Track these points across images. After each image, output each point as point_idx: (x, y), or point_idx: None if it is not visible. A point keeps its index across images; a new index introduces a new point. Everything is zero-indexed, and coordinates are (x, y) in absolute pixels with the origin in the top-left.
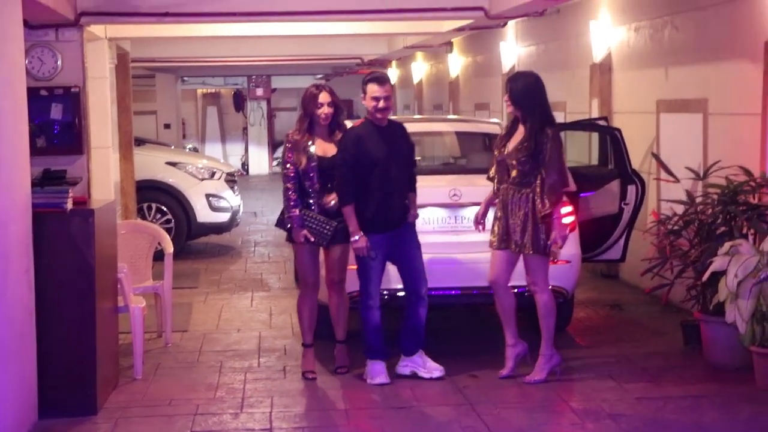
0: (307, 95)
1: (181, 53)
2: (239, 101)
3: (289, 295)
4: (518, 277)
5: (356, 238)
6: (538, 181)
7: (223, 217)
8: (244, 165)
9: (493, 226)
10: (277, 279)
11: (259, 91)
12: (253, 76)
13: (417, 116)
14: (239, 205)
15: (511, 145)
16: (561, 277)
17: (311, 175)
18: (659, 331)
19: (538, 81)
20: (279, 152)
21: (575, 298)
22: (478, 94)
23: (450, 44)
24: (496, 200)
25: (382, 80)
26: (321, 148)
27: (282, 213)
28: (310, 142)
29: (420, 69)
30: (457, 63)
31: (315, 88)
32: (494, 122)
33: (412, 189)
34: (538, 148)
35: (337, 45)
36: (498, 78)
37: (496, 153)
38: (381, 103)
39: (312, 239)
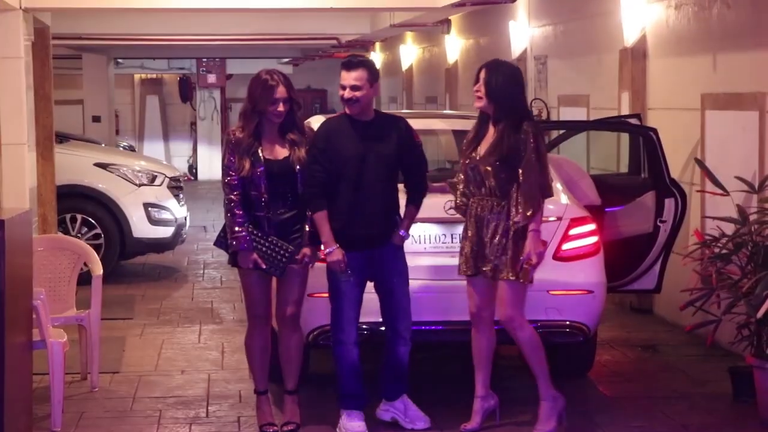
0: (257, 85)
1: (114, 29)
2: (186, 90)
3: (245, 327)
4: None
5: (330, 249)
6: (516, 189)
7: (165, 232)
8: (192, 168)
9: (462, 248)
10: (230, 309)
11: (212, 78)
12: (204, 59)
13: (405, 111)
14: (185, 218)
15: (483, 148)
16: (581, 311)
17: (258, 183)
18: (702, 380)
19: (520, 74)
20: None
21: (598, 337)
22: None
23: (447, 23)
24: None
25: (351, 65)
26: (269, 149)
27: (223, 230)
28: (256, 143)
29: (410, 53)
30: (455, 46)
31: (269, 77)
32: None
33: (413, 200)
34: (516, 148)
35: (309, 22)
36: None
37: (464, 161)
38: (346, 93)
39: (263, 266)
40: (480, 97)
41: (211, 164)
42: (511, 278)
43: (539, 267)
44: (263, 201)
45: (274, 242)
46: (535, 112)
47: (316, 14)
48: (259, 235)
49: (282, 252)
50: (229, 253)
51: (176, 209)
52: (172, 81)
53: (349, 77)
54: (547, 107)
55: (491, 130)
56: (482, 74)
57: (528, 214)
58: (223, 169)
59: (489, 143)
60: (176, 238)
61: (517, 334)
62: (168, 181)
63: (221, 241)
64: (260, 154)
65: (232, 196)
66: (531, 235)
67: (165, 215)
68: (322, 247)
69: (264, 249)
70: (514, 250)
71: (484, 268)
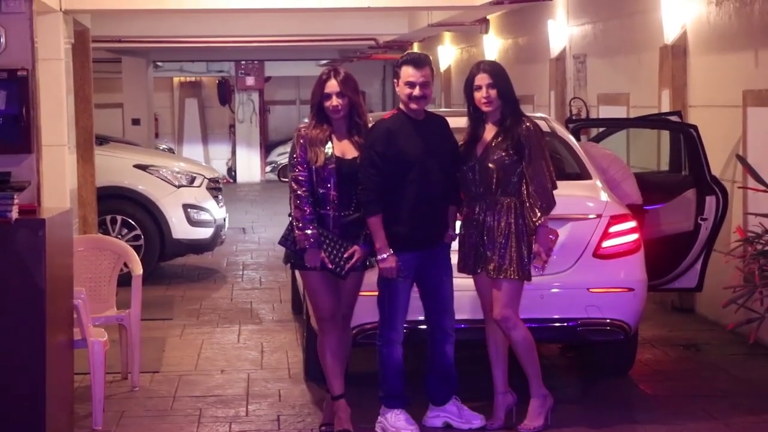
0: (317, 80)
1: (153, 31)
2: (225, 93)
3: (285, 328)
4: (529, 309)
5: (384, 256)
6: (524, 184)
7: (205, 233)
8: (231, 171)
9: (460, 246)
10: (270, 309)
11: (250, 80)
12: (243, 62)
13: (444, 110)
14: (224, 219)
15: (481, 148)
16: (621, 309)
17: (328, 179)
18: (745, 379)
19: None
20: (274, 155)
21: (639, 336)
22: (520, 84)
23: (485, 22)
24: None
25: (420, 62)
26: (339, 147)
27: (289, 228)
28: (328, 138)
29: (448, 53)
30: (494, 46)
31: (325, 72)
32: (539, 117)
33: (455, 200)
34: (520, 143)
35: (346, 23)
36: (545, 64)
37: (461, 166)
38: (416, 91)
39: (330, 266)
40: (489, 102)
41: (249, 167)
42: (514, 277)
43: (573, 264)
44: (332, 199)
45: (340, 243)
46: (573, 110)
47: (353, 14)
48: (325, 233)
49: (344, 255)
50: (291, 252)
51: (215, 211)
52: (211, 84)
53: (419, 74)
54: (587, 106)
55: (489, 130)
56: (484, 81)
57: (546, 207)
58: (290, 166)
59: (489, 142)
60: (215, 240)
61: (511, 333)
62: (207, 182)
63: (287, 240)
64: (331, 151)
65: (301, 192)
66: (541, 230)
67: (204, 216)
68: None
69: (330, 250)
70: (518, 248)
71: (486, 267)
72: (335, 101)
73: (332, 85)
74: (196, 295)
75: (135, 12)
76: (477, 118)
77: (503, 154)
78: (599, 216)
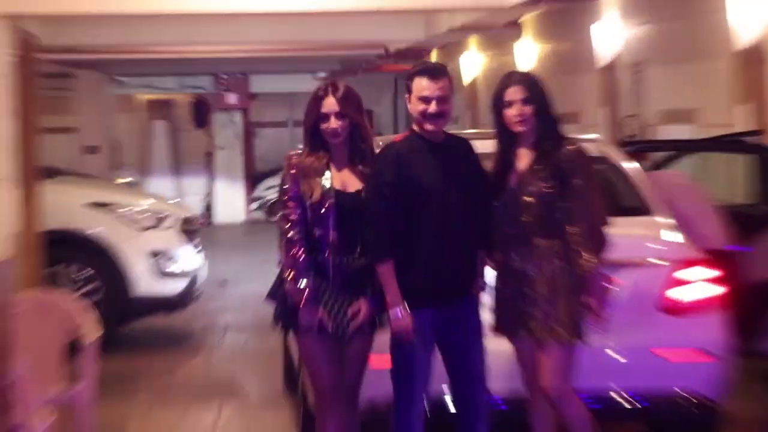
0: (310, 97)
1: (114, 39)
2: (201, 113)
3: (276, 408)
4: (582, 378)
5: (398, 312)
6: (571, 222)
7: (176, 287)
8: (209, 208)
9: (495, 302)
10: (256, 383)
11: (232, 98)
12: (223, 76)
13: (470, 131)
14: (200, 269)
15: (514, 179)
16: (703, 380)
17: (326, 218)
18: None
19: None
20: (261, 189)
21: (725, 414)
22: (562, 99)
23: (518, 26)
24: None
25: (436, 72)
26: (339, 178)
27: (279, 280)
28: (325, 168)
29: (473, 63)
30: (529, 54)
31: (321, 87)
32: (590, 139)
33: (484, 243)
34: (562, 170)
35: (350, 28)
36: (592, 75)
37: (495, 201)
38: (432, 107)
39: (330, 327)
40: (523, 121)
41: (232, 203)
42: (565, 339)
43: (634, 321)
44: (331, 241)
45: (342, 297)
46: (628, 131)
47: (358, 18)
48: (324, 285)
49: (348, 312)
50: (282, 309)
51: (189, 259)
52: (185, 103)
53: (434, 87)
54: (645, 125)
55: (523, 156)
56: (516, 95)
57: (597, 249)
58: (281, 202)
59: (525, 170)
60: (189, 295)
61: (564, 410)
62: (179, 223)
63: (277, 295)
64: (330, 184)
65: (292, 234)
66: (593, 278)
67: (175, 266)
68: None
69: (330, 305)
70: (567, 302)
71: (528, 327)
72: (334, 123)
73: (330, 103)
74: (164, 366)
75: (92, 17)
76: (508, 141)
77: (542, 185)
78: (667, 260)
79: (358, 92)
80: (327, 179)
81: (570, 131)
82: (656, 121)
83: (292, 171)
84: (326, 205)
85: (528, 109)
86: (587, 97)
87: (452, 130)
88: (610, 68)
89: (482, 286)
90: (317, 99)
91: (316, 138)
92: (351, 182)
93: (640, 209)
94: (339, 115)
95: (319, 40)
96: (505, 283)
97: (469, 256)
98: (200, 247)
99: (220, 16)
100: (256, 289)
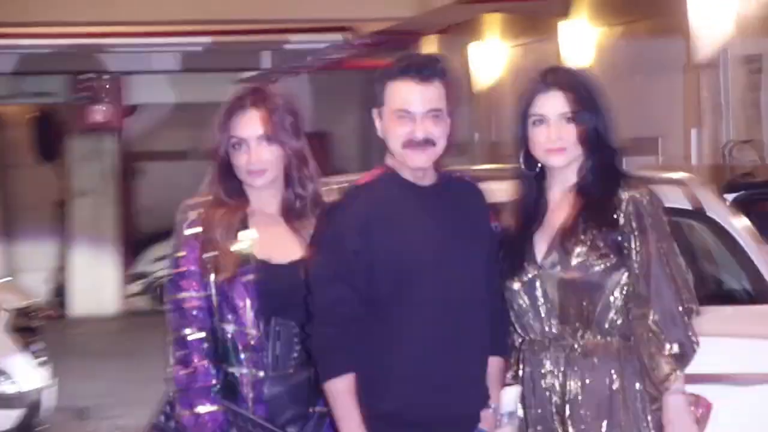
0: (219, 116)
1: None
2: (49, 137)
3: None
4: None
5: None
6: (639, 309)
7: (5, 420)
8: (60, 293)
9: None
10: None
11: (99, 113)
12: (85, 76)
13: (484, 167)
14: (45, 391)
15: (543, 244)
16: None
17: (244, 305)
18: None
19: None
20: (146, 262)
21: None
22: (632, 116)
23: (565, 1)
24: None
25: (426, 72)
26: (263, 242)
27: (168, 407)
28: (241, 226)
29: (494, 57)
30: (581, 44)
31: (237, 99)
32: (674, 179)
33: (499, 346)
34: (621, 232)
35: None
36: (680, 77)
37: (508, 281)
38: (419, 129)
39: None
40: (561, 150)
41: (99, 284)
42: None
43: None
44: (251, 345)
45: (264, 430)
46: (746, 165)
47: None
48: (241, 414)
49: None
50: None
51: (25, 374)
52: (21, 120)
53: (424, 96)
54: (763, 157)
55: (558, 205)
56: (554, 107)
57: (680, 354)
58: (171, 280)
59: (563, 230)
60: (26, 430)
61: None
62: (9, 318)
63: (164, 431)
64: (249, 251)
65: (189, 332)
66: (673, 400)
67: (4, 387)
68: None
69: None
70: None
71: None
72: (256, 154)
73: (250, 122)
74: None
75: None
76: (536, 180)
77: (591, 254)
78: None
79: (300, 103)
80: (245, 243)
81: (640, 167)
82: None
83: (190, 231)
84: (243, 286)
85: (571, 131)
86: (671, 112)
87: (456, 165)
88: (710, 66)
89: (498, 415)
90: (230, 115)
91: (228, 177)
92: (284, 248)
93: (758, 294)
94: (264, 139)
95: (243, 17)
96: (536, 405)
97: (473, 369)
98: (44, 356)
99: None
100: (133, 424)
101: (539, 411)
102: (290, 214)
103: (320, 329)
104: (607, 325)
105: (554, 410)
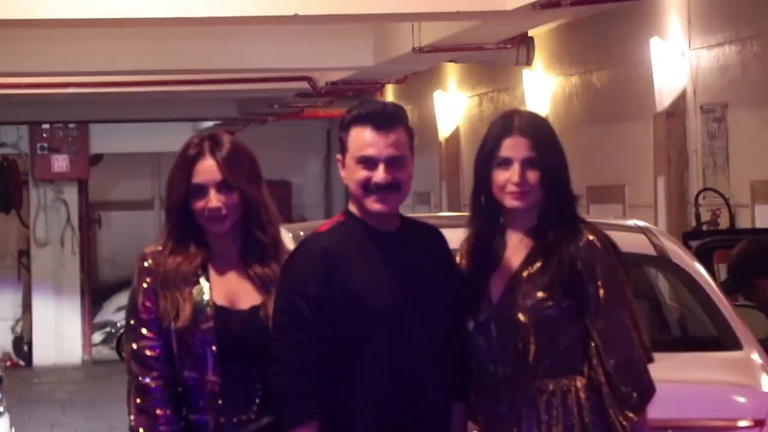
0: (177, 159)
1: None
2: (9, 188)
3: None
4: None
5: None
6: (594, 355)
7: None
8: (21, 342)
9: None
10: None
11: (61, 163)
12: (47, 126)
13: (446, 215)
14: None
15: (498, 286)
16: None
17: (203, 354)
18: None
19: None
20: (109, 312)
21: None
22: (595, 165)
23: (527, 44)
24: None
25: (386, 119)
26: (221, 288)
27: None
28: (199, 273)
29: (455, 106)
30: (543, 91)
31: (193, 145)
32: (634, 227)
33: (461, 392)
34: (576, 274)
35: (256, 48)
36: (647, 123)
37: (467, 323)
38: (380, 174)
39: None
40: (523, 194)
41: (62, 334)
42: None
43: None
44: (210, 392)
45: None
46: (705, 216)
47: (270, 34)
48: None
49: None
50: None
51: None
52: None
53: (385, 142)
54: (729, 205)
55: (514, 247)
56: (519, 151)
57: (638, 400)
58: (130, 328)
59: (517, 272)
60: None
61: None
62: None
63: None
64: (208, 297)
65: (149, 381)
66: None
67: None
68: None
69: None
70: None
71: None
72: (214, 200)
73: (207, 168)
74: None
75: None
76: (492, 221)
77: (543, 296)
78: (760, 423)
79: (261, 151)
80: (203, 290)
81: (604, 214)
82: (746, 198)
83: (148, 279)
84: (202, 333)
85: (533, 176)
86: (638, 160)
87: (418, 212)
88: (673, 114)
89: None
90: (186, 161)
91: (185, 224)
92: (243, 294)
93: (720, 341)
94: (222, 187)
95: (207, 68)
96: None
97: (436, 415)
98: (1, 407)
99: (43, 22)
100: None
101: None
102: (250, 258)
103: (281, 377)
104: (565, 365)
105: None
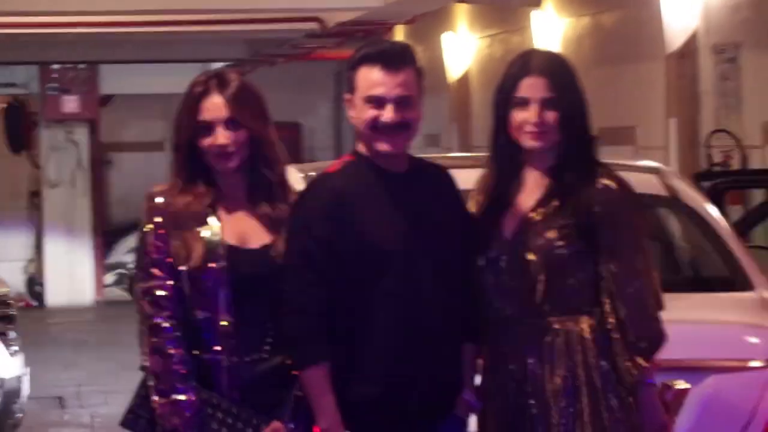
0: (184, 97)
1: None
2: (20, 128)
3: None
4: None
5: None
6: (606, 300)
7: None
8: (34, 282)
9: (479, 423)
10: None
11: (71, 103)
12: (56, 66)
13: (456, 156)
14: (19, 380)
15: (511, 223)
16: None
17: (215, 291)
18: None
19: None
20: (120, 252)
21: None
22: (609, 105)
23: None
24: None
25: (395, 59)
26: (231, 227)
27: (142, 395)
28: (209, 212)
29: (463, 47)
30: (553, 32)
31: (200, 83)
32: (648, 168)
33: (472, 332)
34: (590, 219)
35: None
36: (658, 64)
37: (478, 259)
38: (388, 113)
39: None
40: (542, 134)
41: (73, 274)
42: None
43: None
44: (222, 331)
45: (241, 417)
46: (717, 157)
47: None
48: (213, 400)
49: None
50: None
51: (3, 362)
52: None
53: (393, 82)
54: (741, 145)
55: (529, 186)
56: (537, 91)
57: (648, 346)
58: (140, 268)
59: (530, 210)
60: (2, 417)
61: None
62: None
63: (138, 418)
64: (217, 237)
65: (162, 321)
66: (645, 391)
67: None
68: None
69: (222, 426)
70: (594, 419)
71: None
72: (221, 137)
73: (214, 106)
74: None
75: None
76: (509, 162)
77: (555, 236)
78: None
79: (271, 92)
80: (213, 230)
81: (615, 155)
82: (758, 139)
83: (157, 219)
84: (213, 272)
85: (552, 116)
86: (648, 101)
87: (428, 154)
88: (685, 55)
89: (471, 401)
90: (193, 99)
91: (193, 163)
92: (253, 233)
93: (732, 281)
94: (230, 125)
95: (216, 7)
96: (499, 388)
97: (447, 354)
98: (17, 346)
99: None
100: (110, 412)
101: (506, 395)
102: (258, 198)
103: (291, 317)
104: (571, 306)
105: (522, 392)
